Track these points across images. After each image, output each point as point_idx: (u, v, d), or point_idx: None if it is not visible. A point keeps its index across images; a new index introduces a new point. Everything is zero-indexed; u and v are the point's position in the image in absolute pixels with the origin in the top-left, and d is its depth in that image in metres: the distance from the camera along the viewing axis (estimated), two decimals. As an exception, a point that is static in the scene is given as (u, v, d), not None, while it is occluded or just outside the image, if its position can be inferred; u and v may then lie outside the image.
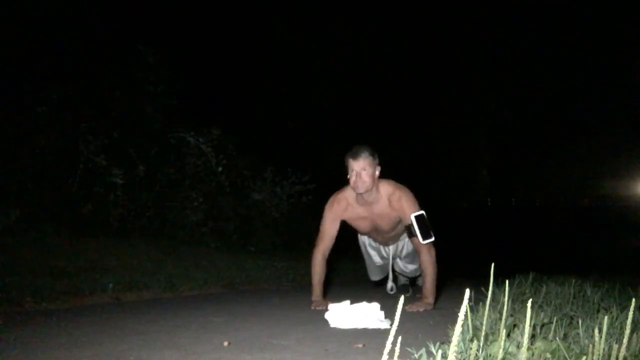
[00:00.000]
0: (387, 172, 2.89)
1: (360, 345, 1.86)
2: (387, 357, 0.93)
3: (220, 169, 5.80)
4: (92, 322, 2.29)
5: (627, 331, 1.25)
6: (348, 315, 2.25)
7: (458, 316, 0.97)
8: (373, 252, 3.42)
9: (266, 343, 1.90)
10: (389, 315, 2.32)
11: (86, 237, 4.40)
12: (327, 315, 2.31)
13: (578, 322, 1.76)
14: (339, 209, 2.92)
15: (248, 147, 6.57)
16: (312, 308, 2.74)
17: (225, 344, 1.86)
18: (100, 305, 2.88)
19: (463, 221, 12.32)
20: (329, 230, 2.92)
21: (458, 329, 0.98)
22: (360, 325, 2.22)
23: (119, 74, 5.71)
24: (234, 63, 8.16)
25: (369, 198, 2.84)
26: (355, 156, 2.74)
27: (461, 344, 1.39)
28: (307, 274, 3.01)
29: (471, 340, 1.42)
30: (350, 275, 4.86)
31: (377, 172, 2.81)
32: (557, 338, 1.63)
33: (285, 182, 6.50)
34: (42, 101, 4.92)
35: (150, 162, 5.49)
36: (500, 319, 1.68)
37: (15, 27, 5.10)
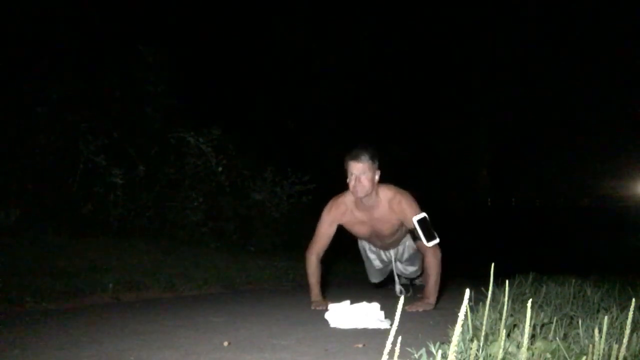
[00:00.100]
0: (387, 172, 2.87)
1: (360, 345, 1.86)
2: (387, 357, 0.93)
3: (220, 169, 5.79)
4: (92, 322, 2.29)
5: (627, 331, 1.25)
6: (348, 315, 2.25)
7: (458, 316, 0.97)
8: (373, 256, 3.40)
9: (266, 343, 1.90)
10: (389, 315, 2.32)
11: (86, 237, 4.41)
12: (327, 315, 2.31)
13: (578, 322, 1.76)
14: (338, 213, 2.91)
15: (248, 147, 6.57)
16: (312, 308, 2.74)
17: (225, 344, 1.86)
18: (100, 305, 2.88)
19: (463, 221, 12.29)
20: (325, 233, 2.91)
21: (458, 329, 0.98)
22: (360, 325, 2.22)
23: (119, 74, 5.72)
24: (234, 63, 8.16)
25: (369, 202, 2.82)
26: (355, 159, 2.71)
27: (461, 344, 1.39)
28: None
29: (471, 340, 1.42)
30: (350, 276, 4.85)
31: (377, 177, 2.78)
32: (557, 338, 1.63)
33: (285, 182, 6.49)
34: (42, 101, 4.93)
35: (150, 162, 5.49)
36: (500, 319, 1.68)
37: (15, 27, 5.11)
